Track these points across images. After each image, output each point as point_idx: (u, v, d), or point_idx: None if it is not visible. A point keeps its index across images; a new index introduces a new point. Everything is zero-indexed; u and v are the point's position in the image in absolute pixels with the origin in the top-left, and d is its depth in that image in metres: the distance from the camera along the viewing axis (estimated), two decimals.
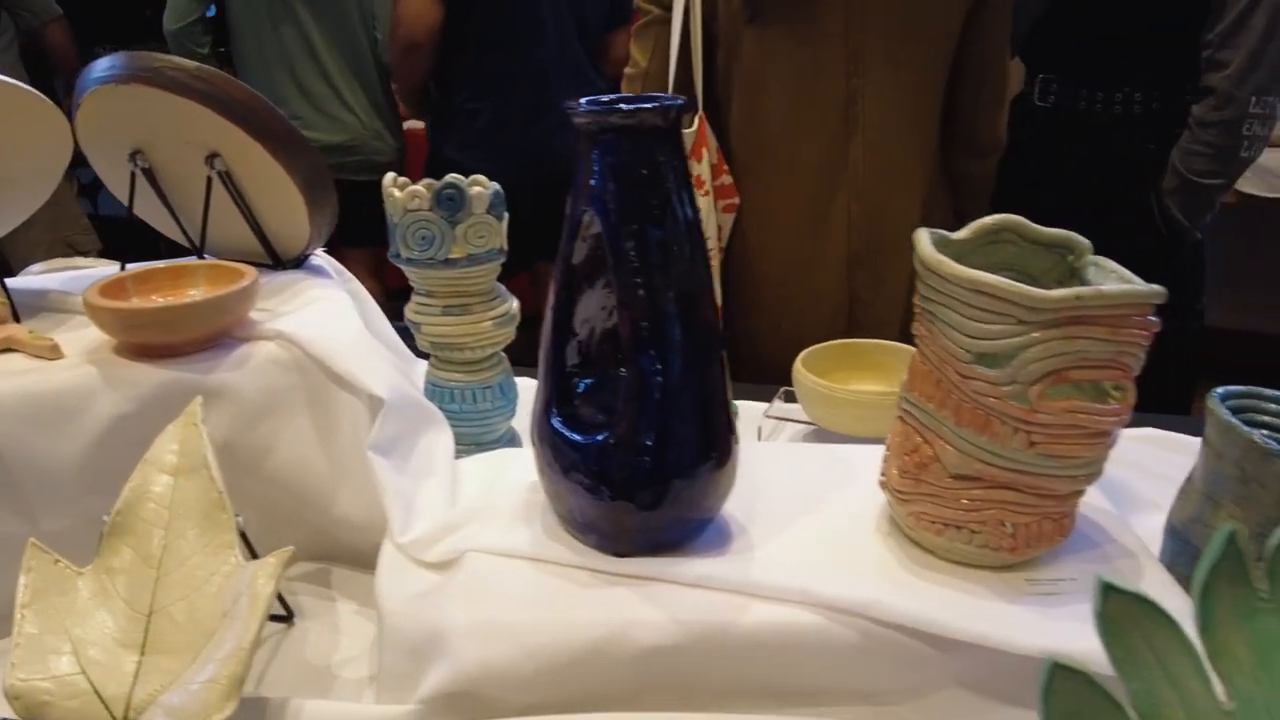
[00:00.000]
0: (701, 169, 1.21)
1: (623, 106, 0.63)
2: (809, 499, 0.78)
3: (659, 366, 0.65)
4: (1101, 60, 1.38)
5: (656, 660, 0.64)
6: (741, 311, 1.34)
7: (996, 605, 0.65)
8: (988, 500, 0.66)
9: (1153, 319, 0.64)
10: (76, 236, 2.61)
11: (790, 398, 1.06)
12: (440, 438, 0.84)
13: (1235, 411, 0.75)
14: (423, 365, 0.95)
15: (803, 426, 1.05)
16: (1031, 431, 0.63)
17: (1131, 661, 0.47)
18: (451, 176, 0.86)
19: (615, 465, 0.67)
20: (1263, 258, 3.10)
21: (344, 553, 0.82)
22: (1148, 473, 0.91)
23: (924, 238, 0.67)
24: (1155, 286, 0.62)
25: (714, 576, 0.67)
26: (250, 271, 0.84)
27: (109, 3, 4.03)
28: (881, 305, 1.29)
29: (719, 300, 1.31)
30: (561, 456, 0.69)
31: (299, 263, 0.99)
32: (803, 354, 1.03)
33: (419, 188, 0.86)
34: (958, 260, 0.65)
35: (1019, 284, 0.61)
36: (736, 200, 1.28)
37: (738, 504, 0.75)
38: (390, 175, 0.88)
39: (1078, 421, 0.63)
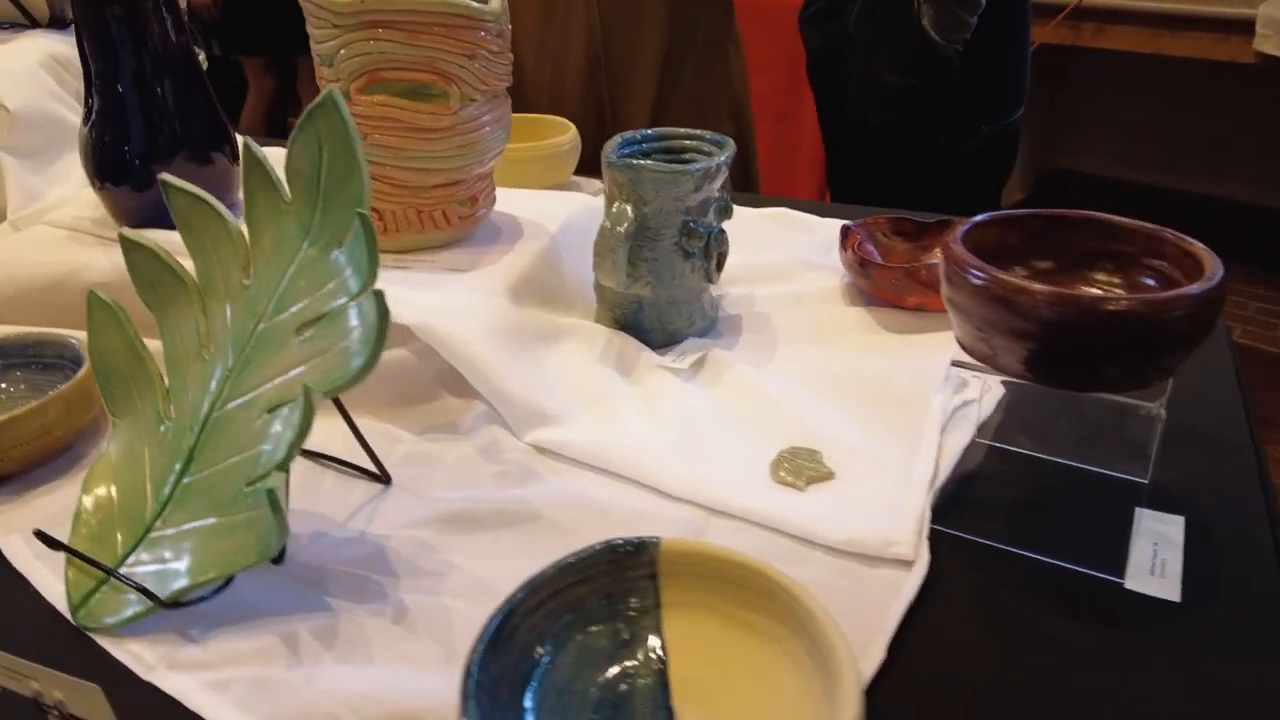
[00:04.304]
0: None
1: None
2: None
3: (123, 68, 0.82)
4: None
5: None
6: (517, 105, 1.45)
7: None
8: None
9: (483, 35, 0.74)
10: None
11: None
12: None
13: (678, 150, 0.84)
14: None
15: None
16: (361, 124, 0.76)
17: (196, 245, 0.61)
18: None
19: (106, 155, 0.85)
20: None
21: None
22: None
23: None
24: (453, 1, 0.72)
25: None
26: None
27: None
28: (631, 105, 1.37)
29: None
30: (87, 160, 0.87)
31: (60, 25, 1.20)
32: None
33: None
34: None
35: None
36: None
37: None
38: None
39: (389, 115, 0.75)
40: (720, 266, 0.82)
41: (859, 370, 0.77)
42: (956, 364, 0.58)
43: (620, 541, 0.52)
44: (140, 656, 0.53)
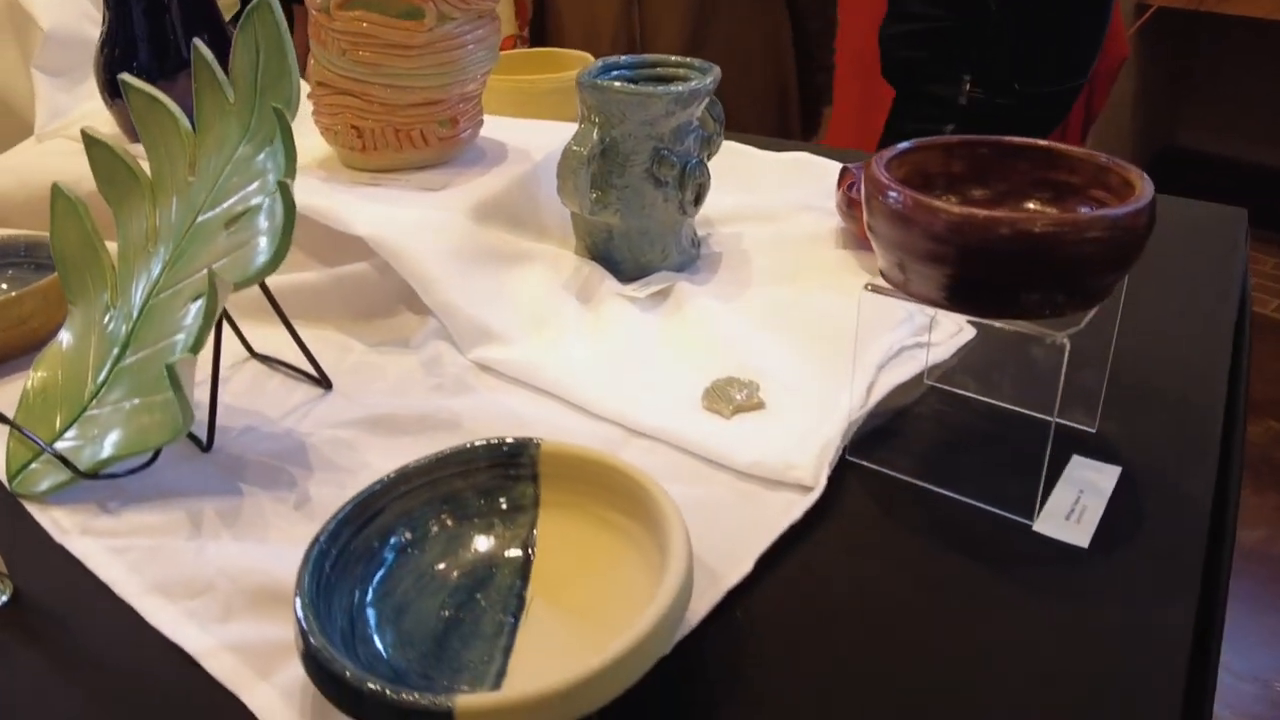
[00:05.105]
0: None
1: None
2: None
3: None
4: None
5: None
6: (552, 43, 1.46)
7: (328, 187, 0.81)
8: (340, 106, 0.81)
9: None
10: None
11: None
12: None
13: (667, 79, 0.83)
14: None
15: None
16: (340, 39, 0.77)
17: (150, 143, 0.64)
18: None
19: (116, 72, 0.88)
20: None
21: None
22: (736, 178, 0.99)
23: None
24: None
25: None
26: None
27: None
28: (664, 45, 1.36)
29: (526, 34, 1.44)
30: (99, 76, 0.92)
31: None
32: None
33: None
34: None
35: None
36: None
37: None
38: None
39: (366, 30, 0.76)
40: (699, 200, 0.81)
41: (820, 309, 0.75)
42: (873, 288, 0.56)
43: (500, 440, 0.53)
44: (59, 522, 0.57)
